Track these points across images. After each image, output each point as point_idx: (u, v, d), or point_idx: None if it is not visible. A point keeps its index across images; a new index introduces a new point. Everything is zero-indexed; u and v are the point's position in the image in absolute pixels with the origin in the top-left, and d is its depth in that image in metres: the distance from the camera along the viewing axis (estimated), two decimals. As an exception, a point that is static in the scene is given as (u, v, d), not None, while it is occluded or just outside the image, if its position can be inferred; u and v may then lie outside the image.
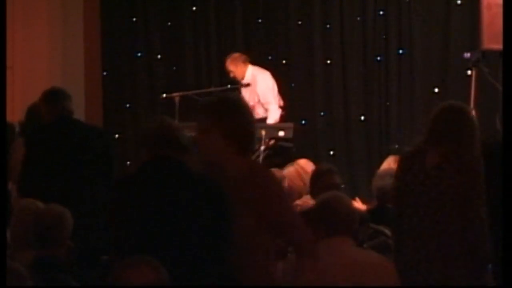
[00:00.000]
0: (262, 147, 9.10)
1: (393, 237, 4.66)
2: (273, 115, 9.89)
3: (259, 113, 9.76)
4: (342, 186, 5.88)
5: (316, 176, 6.14)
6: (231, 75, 9.89)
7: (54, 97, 6.04)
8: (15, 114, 10.45)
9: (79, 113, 10.82)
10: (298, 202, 6.62)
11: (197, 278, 3.49)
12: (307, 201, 6.51)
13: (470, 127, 4.46)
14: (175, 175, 3.64)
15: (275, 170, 6.87)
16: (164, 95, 9.92)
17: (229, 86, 10.02)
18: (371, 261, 3.97)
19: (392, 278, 3.98)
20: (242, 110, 3.99)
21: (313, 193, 6.22)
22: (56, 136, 5.82)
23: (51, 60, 10.85)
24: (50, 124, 5.91)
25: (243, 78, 9.90)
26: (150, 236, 3.50)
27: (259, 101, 9.88)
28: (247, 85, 9.75)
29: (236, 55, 9.99)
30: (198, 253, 3.53)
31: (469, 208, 4.28)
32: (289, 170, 7.00)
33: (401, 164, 4.54)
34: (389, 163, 7.03)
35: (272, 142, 9.25)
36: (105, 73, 11.38)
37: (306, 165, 7.20)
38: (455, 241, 4.29)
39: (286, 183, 6.63)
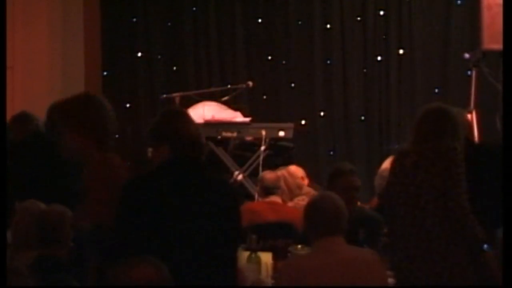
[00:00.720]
0: (262, 147, 9.10)
1: (389, 238, 4.69)
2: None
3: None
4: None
5: (334, 175, 6.14)
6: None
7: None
8: (15, 114, 10.44)
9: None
10: (289, 203, 6.65)
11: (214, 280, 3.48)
12: (299, 202, 6.55)
13: (451, 127, 4.55)
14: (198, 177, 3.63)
15: (267, 172, 6.91)
16: (164, 95, 9.92)
17: (229, 86, 10.02)
18: (364, 258, 4.00)
19: (383, 270, 4.07)
20: (92, 106, 3.91)
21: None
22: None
23: (51, 60, 10.85)
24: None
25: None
26: (168, 239, 3.48)
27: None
28: (248, 85, 9.75)
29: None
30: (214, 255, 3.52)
31: (448, 198, 4.37)
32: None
33: (390, 166, 4.68)
34: (389, 163, 7.05)
35: (272, 142, 9.26)
36: (105, 73, 11.38)
37: (295, 170, 7.24)
38: (442, 232, 4.33)
39: (283, 183, 6.68)
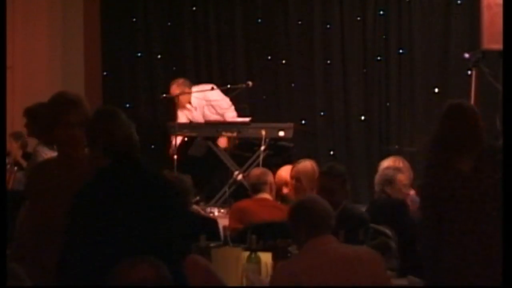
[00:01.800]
0: (262, 147, 9.10)
1: (424, 247, 4.41)
2: (230, 116, 9.88)
3: (216, 118, 9.84)
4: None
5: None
6: (175, 100, 9.76)
7: None
8: (15, 114, 10.45)
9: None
10: None
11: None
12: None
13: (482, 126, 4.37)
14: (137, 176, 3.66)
15: (255, 168, 6.91)
16: (164, 95, 9.92)
17: (229, 86, 10.02)
18: (357, 254, 4.00)
19: (381, 265, 4.03)
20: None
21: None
22: None
23: (51, 60, 10.86)
24: None
25: (189, 103, 9.86)
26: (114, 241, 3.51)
27: (217, 113, 9.88)
28: (248, 85, 9.76)
29: (181, 80, 9.92)
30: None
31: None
32: None
33: (430, 173, 4.36)
34: (389, 162, 7.06)
35: (272, 142, 9.26)
36: (105, 73, 11.38)
37: (284, 172, 7.19)
38: (497, 240, 4.17)
39: (270, 178, 6.65)
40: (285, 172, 7.06)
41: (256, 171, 6.80)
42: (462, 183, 4.25)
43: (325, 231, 4.00)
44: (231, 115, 9.91)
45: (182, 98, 9.79)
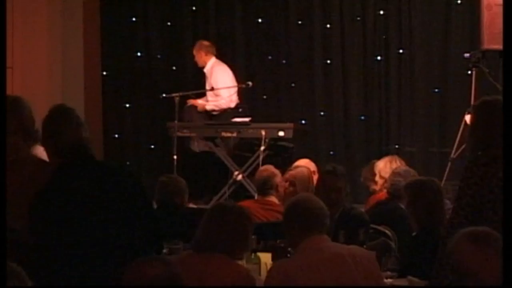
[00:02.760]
0: (262, 147, 9.10)
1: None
2: (218, 103, 9.98)
3: (209, 99, 10.04)
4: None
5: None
6: (194, 59, 10.08)
7: None
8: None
9: (78, 113, 10.84)
10: None
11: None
12: None
13: None
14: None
15: (263, 168, 6.85)
16: (164, 95, 9.92)
17: (228, 86, 10.02)
18: (351, 253, 4.01)
19: (372, 262, 4.04)
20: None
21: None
22: None
23: (50, 60, 10.84)
24: None
25: (203, 66, 10.08)
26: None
27: (212, 88, 9.95)
28: (248, 85, 9.76)
29: (204, 43, 10.17)
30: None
31: None
32: None
33: (479, 170, 4.08)
34: (386, 161, 7.04)
35: (271, 142, 9.26)
36: (104, 73, 11.37)
37: (307, 166, 7.16)
38: None
39: (278, 179, 6.58)
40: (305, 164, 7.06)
41: (264, 173, 6.64)
42: (496, 185, 4.04)
43: (319, 230, 4.00)
44: (221, 99, 9.95)
45: (198, 60, 10.08)
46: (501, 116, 3.96)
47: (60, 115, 3.80)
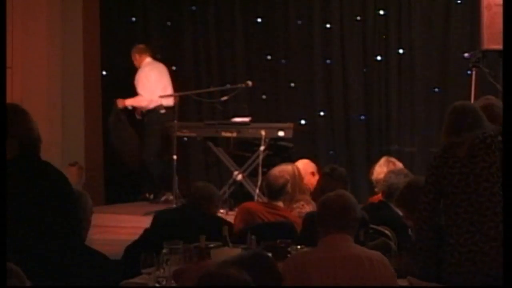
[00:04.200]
0: (262, 147, 9.10)
1: (427, 231, 4.64)
2: (137, 100, 10.27)
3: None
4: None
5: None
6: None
7: None
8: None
9: (78, 113, 10.84)
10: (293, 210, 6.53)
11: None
12: (300, 210, 6.44)
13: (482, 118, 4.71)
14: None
15: (275, 172, 6.82)
16: (164, 94, 9.92)
17: (228, 85, 10.02)
18: (368, 255, 4.03)
19: (388, 269, 4.05)
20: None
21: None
22: None
23: (50, 60, 10.83)
24: None
25: (139, 67, 10.33)
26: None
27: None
28: (247, 84, 9.76)
29: (138, 46, 10.45)
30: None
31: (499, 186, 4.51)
32: None
33: (435, 162, 4.68)
34: (381, 165, 7.03)
35: (271, 142, 9.26)
36: (104, 73, 11.37)
37: (306, 166, 7.14)
38: (499, 220, 4.43)
39: (289, 187, 6.53)
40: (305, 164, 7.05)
41: (280, 180, 6.37)
42: (460, 167, 4.56)
43: (339, 229, 4.02)
44: (140, 96, 10.26)
45: (134, 62, 10.37)
46: (450, 116, 4.70)
47: (24, 113, 3.91)
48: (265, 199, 6.65)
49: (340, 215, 4.05)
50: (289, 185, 6.36)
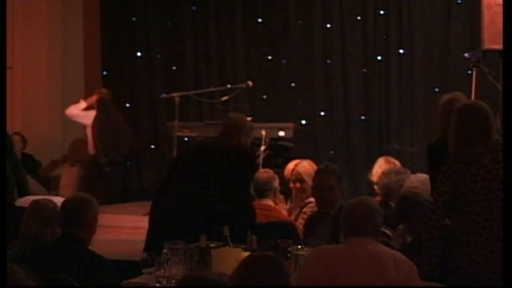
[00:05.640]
0: (263, 147, 9.09)
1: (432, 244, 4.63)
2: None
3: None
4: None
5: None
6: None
7: None
8: (15, 114, 10.45)
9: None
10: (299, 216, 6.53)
11: None
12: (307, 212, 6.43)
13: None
14: None
15: (262, 170, 6.83)
16: (164, 95, 9.92)
17: (229, 86, 10.01)
18: (392, 255, 4.08)
19: (412, 268, 4.06)
20: None
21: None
22: None
23: (51, 60, 10.85)
24: None
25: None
26: None
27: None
28: (248, 84, 9.75)
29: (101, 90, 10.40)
30: None
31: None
32: None
33: (455, 166, 4.63)
34: (380, 165, 7.03)
35: (272, 142, 9.24)
36: (105, 73, 11.37)
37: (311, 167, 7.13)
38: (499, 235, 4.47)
39: (276, 184, 6.54)
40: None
41: (264, 174, 6.59)
42: (484, 174, 4.55)
43: (365, 233, 4.04)
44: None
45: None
46: (482, 119, 4.64)
47: None
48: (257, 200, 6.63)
49: (363, 220, 4.08)
50: (275, 181, 6.38)
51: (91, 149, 10.22)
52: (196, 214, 5.28)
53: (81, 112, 10.17)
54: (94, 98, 10.18)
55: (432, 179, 5.23)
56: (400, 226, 5.29)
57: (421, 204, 4.99)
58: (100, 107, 10.13)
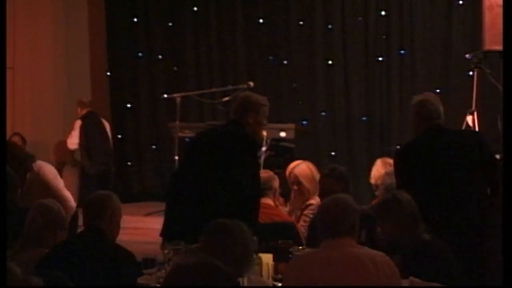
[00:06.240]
0: (264, 148, 9.09)
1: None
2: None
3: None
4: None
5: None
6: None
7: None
8: (15, 114, 10.45)
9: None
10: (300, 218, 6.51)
11: None
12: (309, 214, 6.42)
13: None
14: None
15: (262, 171, 6.82)
16: (165, 95, 9.92)
17: (230, 86, 10.01)
18: (370, 255, 4.01)
19: (393, 269, 4.03)
20: None
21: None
22: None
23: (55, 60, 10.85)
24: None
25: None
26: None
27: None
28: (249, 85, 9.74)
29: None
30: None
31: None
32: None
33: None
34: (378, 167, 7.03)
35: (273, 142, 9.24)
36: (109, 73, 11.38)
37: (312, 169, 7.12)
38: None
39: (276, 184, 6.52)
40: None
41: (263, 174, 6.47)
42: None
43: (339, 234, 3.99)
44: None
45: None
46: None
47: None
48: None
49: (336, 221, 4.01)
50: (275, 181, 6.37)
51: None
52: (205, 204, 5.27)
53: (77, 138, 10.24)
54: (78, 121, 10.18)
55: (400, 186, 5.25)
56: None
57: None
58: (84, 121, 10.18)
